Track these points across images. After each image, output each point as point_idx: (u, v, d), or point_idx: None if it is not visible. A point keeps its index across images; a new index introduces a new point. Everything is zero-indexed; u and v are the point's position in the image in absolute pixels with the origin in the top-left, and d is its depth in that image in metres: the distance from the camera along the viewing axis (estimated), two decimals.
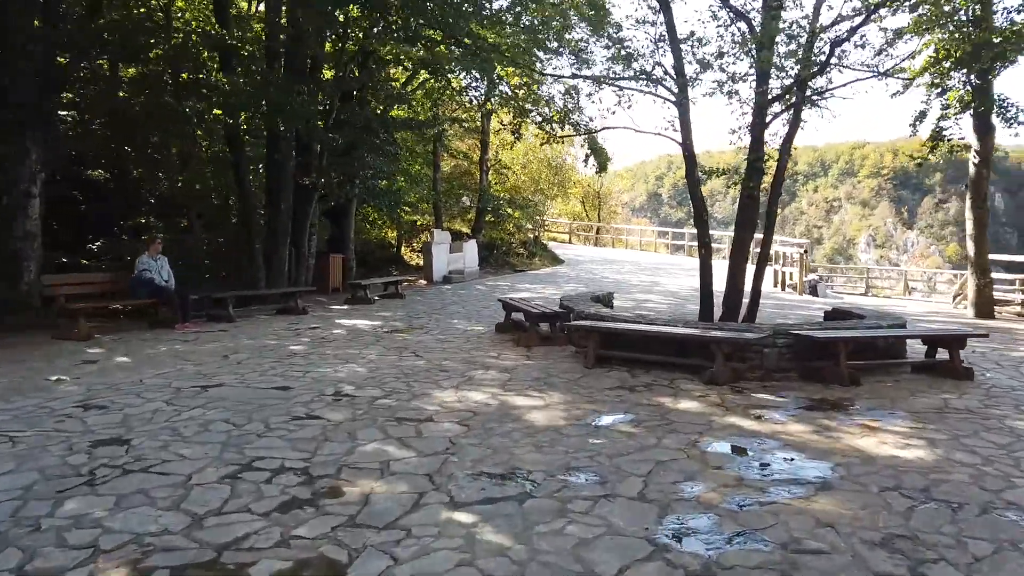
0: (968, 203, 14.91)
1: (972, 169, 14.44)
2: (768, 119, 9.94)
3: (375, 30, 14.74)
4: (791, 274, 20.95)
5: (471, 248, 21.85)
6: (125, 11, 13.62)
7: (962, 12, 12.57)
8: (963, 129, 14.34)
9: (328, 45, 16.53)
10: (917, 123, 14.90)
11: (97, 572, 3.15)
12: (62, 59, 12.39)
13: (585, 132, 12.90)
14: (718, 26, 10.08)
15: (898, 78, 11.79)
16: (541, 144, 14.82)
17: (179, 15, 16.01)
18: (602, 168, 14.77)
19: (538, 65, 13.20)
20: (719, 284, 10.64)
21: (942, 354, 7.92)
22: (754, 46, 9.30)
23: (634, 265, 26.63)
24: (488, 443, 5.04)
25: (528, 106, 15.18)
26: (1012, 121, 12.99)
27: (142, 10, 14.21)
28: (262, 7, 16.17)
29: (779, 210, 11.99)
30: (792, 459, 4.80)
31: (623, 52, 10.55)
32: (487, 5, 14.71)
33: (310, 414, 5.77)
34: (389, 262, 21.55)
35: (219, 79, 13.37)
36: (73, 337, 9.43)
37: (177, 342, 9.41)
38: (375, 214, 21.50)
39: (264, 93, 12.66)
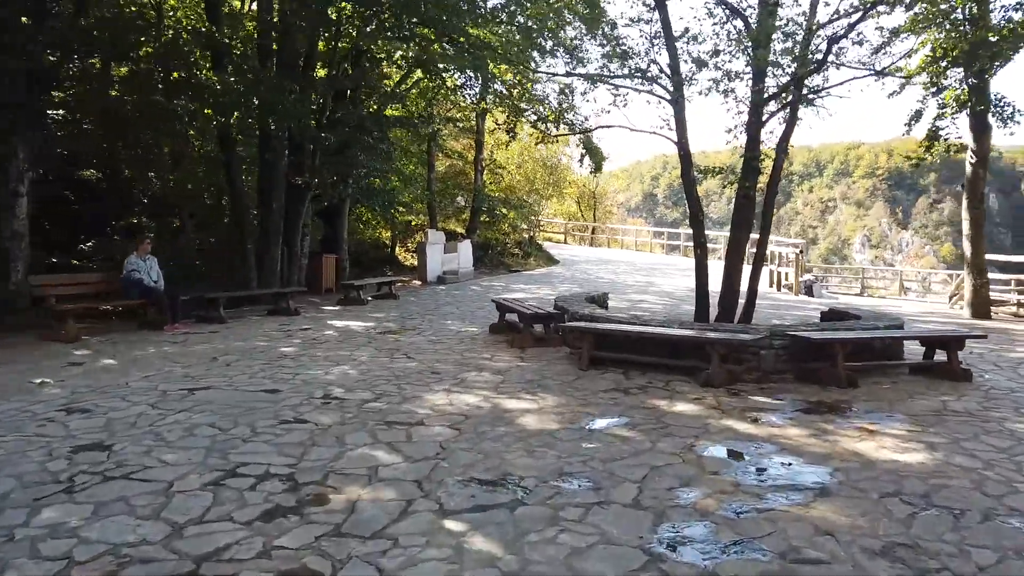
0: (964, 203, 14.85)
1: (968, 169, 14.37)
2: (764, 118, 9.85)
3: (368, 28, 14.62)
4: (787, 274, 20.88)
5: (466, 248, 21.72)
6: (116, 9, 13.46)
7: (959, 11, 12.50)
8: (960, 129, 14.27)
9: (321, 44, 16.40)
10: (912, 123, 14.82)
11: None
12: (52, 58, 12.24)
13: (580, 131, 12.79)
14: (714, 24, 10.00)
15: (895, 76, 11.72)
16: (536, 144, 14.69)
17: (171, 13, 15.87)
18: (597, 168, 14.67)
19: (532, 64, 13.05)
20: (715, 284, 10.55)
21: (940, 355, 7.85)
22: (750, 44, 9.20)
23: (629, 265, 26.54)
24: (479, 448, 4.93)
25: (523, 105, 15.06)
26: (1009, 120, 12.92)
27: (133, 8, 14.07)
28: (255, 6, 16.05)
29: (775, 210, 11.92)
30: (790, 464, 4.70)
31: (618, 50, 10.45)
32: (481, 4, 14.61)
33: (298, 418, 5.65)
34: (383, 262, 21.42)
35: (210, 78, 13.22)
36: (61, 339, 9.29)
37: (166, 344, 9.27)
38: (369, 214, 21.36)
39: (255, 92, 12.53)
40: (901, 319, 9.32)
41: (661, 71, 10.15)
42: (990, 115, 13.35)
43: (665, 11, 10.05)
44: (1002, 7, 12.22)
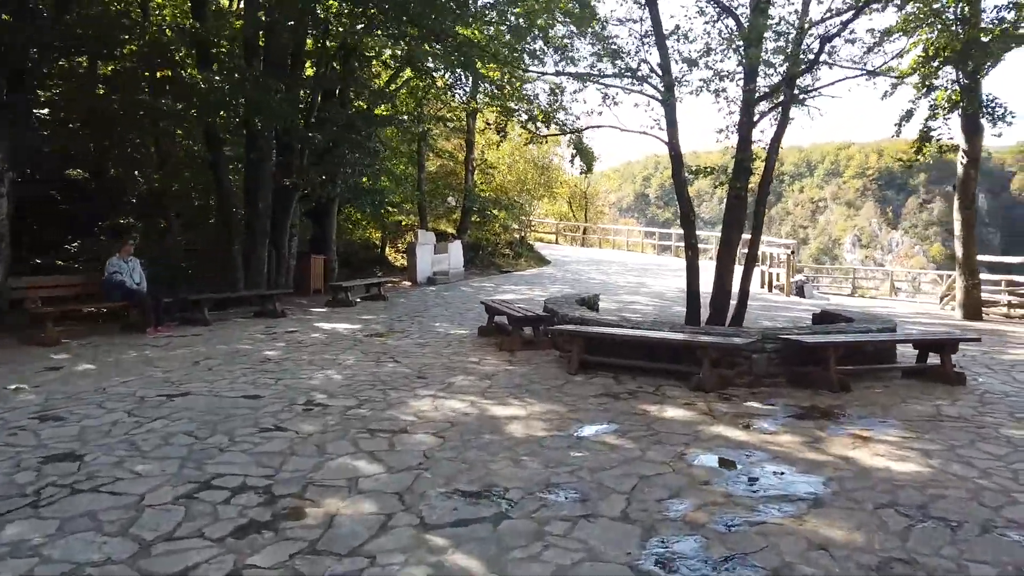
0: (956, 204, 14.80)
1: (960, 170, 14.32)
2: (756, 118, 9.75)
3: (358, 27, 14.44)
4: (778, 275, 20.82)
5: (456, 249, 21.57)
6: (100, 6, 13.23)
7: (950, 11, 12.44)
8: (951, 130, 14.23)
9: (309, 42, 16.22)
10: (903, 123, 14.78)
11: None
12: (34, 56, 12.02)
13: (570, 131, 12.65)
14: (705, 22, 9.88)
15: (887, 77, 11.65)
16: (526, 144, 14.55)
17: (157, 11, 15.65)
18: (588, 168, 14.55)
19: (522, 63, 12.89)
20: (706, 285, 10.44)
21: (933, 358, 7.76)
22: (741, 43, 9.09)
23: (621, 266, 26.45)
24: (464, 457, 4.79)
25: (512, 104, 14.92)
26: (999, 121, 12.86)
27: (119, 6, 13.84)
28: (242, 3, 15.84)
29: (766, 210, 11.82)
30: (782, 473, 4.58)
31: (608, 49, 10.32)
32: (471, 4, 14.45)
33: (278, 425, 5.49)
34: (373, 263, 21.23)
35: (194, 76, 13.01)
36: (40, 342, 9.09)
37: (148, 347, 9.09)
38: (358, 214, 21.17)
39: (240, 90, 12.33)
40: (893, 321, 9.23)
41: (652, 70, 10.03)
42: (982, 116, 13.29)
43: (656, 9, 9.94)
44: (995, 7, 12.18)
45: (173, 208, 15.94)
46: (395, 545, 3.45)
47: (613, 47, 10.38)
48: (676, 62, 9.93)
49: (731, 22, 9.60)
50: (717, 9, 9.72)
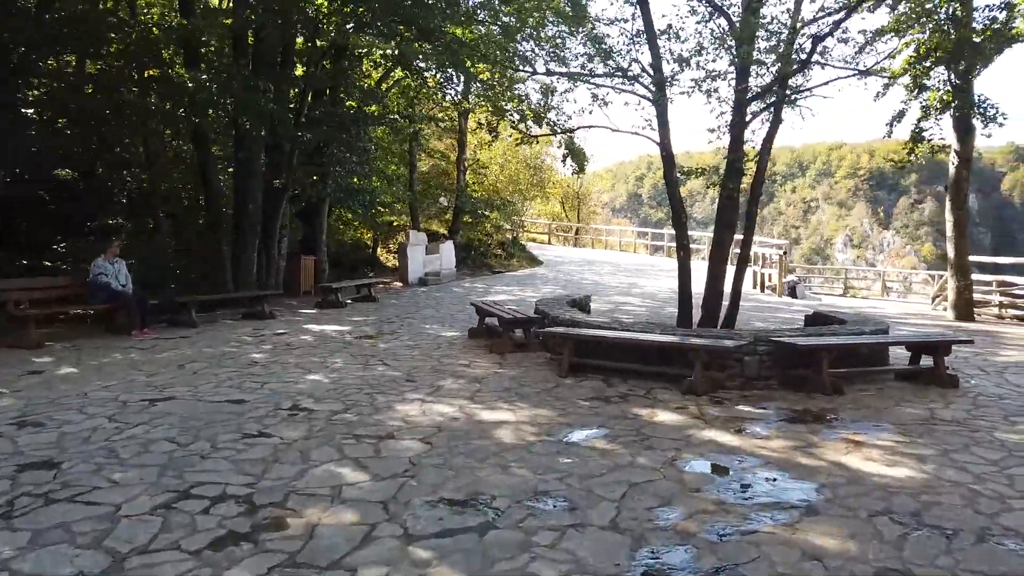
0: (948, 205, 14.79)
1: (952, 170, 14.31)
2: (748, 118, 9.68)
3: (348, 26, 14.31)
4: (770, 275, 20.79)
5: (448, 249, 21.47)
6: (86, 4, 13.06)
7: (942, 11, 12.41)
8: (943, 130, 14.20)
9: (300, 41, 16.08)
10: (895, 123, 14.73)
11: None
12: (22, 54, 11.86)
13: (561, 131, 12.56)
14: (697, 22, 9.80)
15: (879, 76, 11.61)
16: (516, 144, 14.44)
17: (144, 10, 15.49)
18: (580, 169, 14.49)
19: (513, 62, 12.79)
20: (698, 286, 10.38)
21: (925, 360, 7.70)
22: (733, 43, 9.02)
23: (613, 266, 26.40)
24: (451, 463, 4.69)
25: (504, 104, 14.83)
26: (992, 121, 12.85)
27: (106, 4, 13.68)
28: (231, 2, 15.69)
29: (758, 210, 11.76)
30: (775, 479, 4.50)
31: (599, 48, 10.23)
32: (461, 3, 14.35)
33: (262, 431, 5.38)
34: (365, 264, 21.10)
35: (181, 75, 12.87)
36: (23, 345, 8.94)
37: (132, 350, 8.95)
38: (349, 215, 21.03)
39: (228, 89, 12.19)
40: (886, 323, 9.17)
41: (643, 70, 9.96)
42: (974, 116, 13.27)
43: (647, 8, 9.85)
44: (986, 6, 12.16)
45: (162, 208, 15.79)
46: (377, 557, 3.35)
47: (604, 46, 10.29)
48: (668, 62, 9.86)
49: (723, 22, 9.54)
50: (709, 8, 9.65)
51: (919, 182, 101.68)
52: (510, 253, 26.69)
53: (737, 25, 9.02)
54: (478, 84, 15.38)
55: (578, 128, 12.28)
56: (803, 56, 9.14)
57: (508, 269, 24.26)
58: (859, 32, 10.39)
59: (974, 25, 12.35)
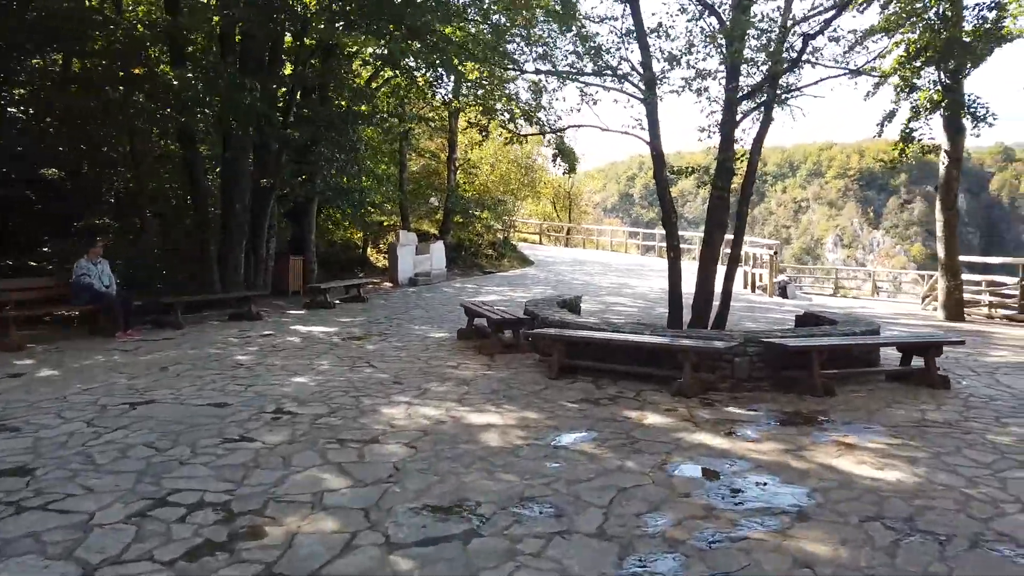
0: (938, 205, 14.79)
1: (942, 170, 14.31)
2: (739, 117, 9.62)
3: (338, 24, 14.17)
4: (761, 275, 20.78)
5: (438, 249, 21.36)
6: (71, 1, 12.87)
7: (932, 10, 12.40)
8: (933, 130, 14.21)
9: (288, 40, 15.94)
10: (885, 123, 14.73)
11: None
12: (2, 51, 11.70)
13: (550, 131, 12.47)
14: (688, 20, 9.73)
15: (870, 76, 11.58)
16: (505, 143, 14.34)
17: (130, 7, 15.31)
18: (571, 169, 14.37)
19: (502, 61, 12.68)
20: (689, 287, 10.31)
21: (916, 360, 7.65)
22: (723, 41, 8.95)
23: (604, 266, 26.35)
24: (436, 468, 4.59)
25: (494, 103, 14.73)
26: (982, 121, 12.85)
27: (92, 1, 13.50)
28: None
29: (748, 210, 11.70)
30: (765, 484, 4.42)
31: (588, 47, 10.15)
32: (451, 2, 14.22)
33: (244, 436, 5.27)
34: (355, 264, 20.97)
35: (166, 73, 12.72)
36: (4, 347, 8.78)
37: (116, 352, 8.80)
38: (339, 215, 20.88)
39: (214, 88, 12.04)
40: (877, 324, 9.12)
41: (633, 68, 9.88)
42: (964, 116, 13.27)
43: (636, 5, 9.76)
44: (976, 5, 12.14)
45: (149, 208, 15.62)
46: (357, 568, 3.25)
47: (593, 44, 10.21)
48: (658, 60, 9.79)
49: (713, 20, 9.47)
50: (699, 7, 9.59)
51: (909, 182, 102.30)
52: (501, 253, 26.61)
53: (727, 24, 8.96)
54: (468, 83, 15.24)
55: (568, 127, 12.19)
56: (794, 55, 9.08)
57: (499, 269, 24.17)
58: (849, 31, 10.38)
59: (964, 25, 12.35)
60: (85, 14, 12.73)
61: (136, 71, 13.88)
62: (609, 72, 10.04)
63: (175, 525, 3.68)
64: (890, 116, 14.48)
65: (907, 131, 14.18)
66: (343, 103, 16.56)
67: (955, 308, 14.42)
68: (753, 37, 9.14)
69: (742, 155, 9.97)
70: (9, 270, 11.90)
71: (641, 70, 9.69)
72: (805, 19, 9.20)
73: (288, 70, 15.79)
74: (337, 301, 14.44)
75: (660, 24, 9.59)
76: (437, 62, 14.36)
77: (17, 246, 12.75)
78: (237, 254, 14.09)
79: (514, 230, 35.96)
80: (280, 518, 3.79)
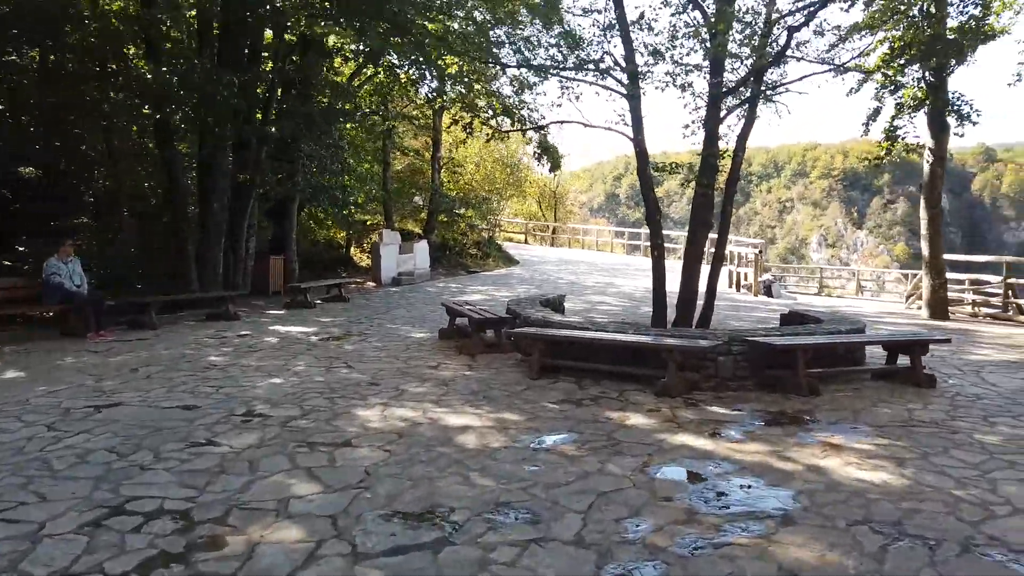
0: (922, 203, 14.77)
1: (926, 169, 14.29)
2: (723, 113, 9.50)
3: (322, 22, 13.93)
4: (746, 274, 20.74)
5: (422, 249, 21.15)
6: None
7: (916, 7, 12.35)
8: (917, 129, 14.18)
9: (269, 35, 15.69)
10: (870, 122, 14.69)
11: None
12: None
13: (532, 127, 12.30)
14: (671, 14, 9.57)
15: (855, 70, 11.50)
16: (487, 140, 14.17)
17: (107, 1, 15.00)
18: (555, 167, 14.23)
19: (482, 55, 12.49)
20: (674, 286, 10.19)
21: (902, 359, 7.56)
22: (707, 35, 8.82)
23: (590, 266, 26.24)
24: (409, 473, 4.42)
25: (476, 98, 14.56)
26: (966, 119, 12.82)
27: None
28: None
29: (734, 210, 11.61)
30: (749, 486, 4.28)
31: (569, 40, 9.99)
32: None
33: (211, 439, 5.07)
34: (338, 263, 20.73)
35: (140, 67, 12.45)
36: None
37: (85, 353, 8.55)
38: (322, 214, 20.63)
39: (190, 82, 11.79)
40: (862, 322, 9.04)
41: (615, 63, 9.73)
42: (948, 114, 13.24)
43: None
44: (961, 1, 12.10)
45: (127, 207, 15.32)
46: None
47: (575, 37, 10.04)
48: (641, 54, 9.63)
49: (697, 15, 9.33)
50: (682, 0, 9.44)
51: (892, 183, 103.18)
52: (486, 253, 26.43)
53: (712, 19, 8.82)
54: (450, 78, 15.05)
55: (549, 124, 12.02)
56: (778, 48, 8.96)
57: (484, 269, 23.99)
58: (834, 28, 10.28)
59: (948, 21, 12.32)
60: (60, 8, 12.44)
61: (112, 66, 13.61)
62: (592, 66, 9.88)
63: (130, 535, 3.49)
64: (875, 114, 14.45)
65: (891, 129, 14.15)
66: (324, 100, 16.34)
67: (939, 306, 14.41)
68: (737, 31, 9.03)
69: (725, 153, 9.86)
70: None
71: (624, 64, 9.54)
72: (791, 13, 9.10)
73: (268, 66, 15.54)
74: (318, 301, 14.22)
75: (642, 15, 9.43)
76: (420, 59, 14.18)
77: None
78: (216, 253, 13.84)
79: (499, 229, 35.80)
80: (242, 527, 3.60)
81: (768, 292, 19.35)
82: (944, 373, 7.91)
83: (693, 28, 9.25)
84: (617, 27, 9.44)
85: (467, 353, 8.78)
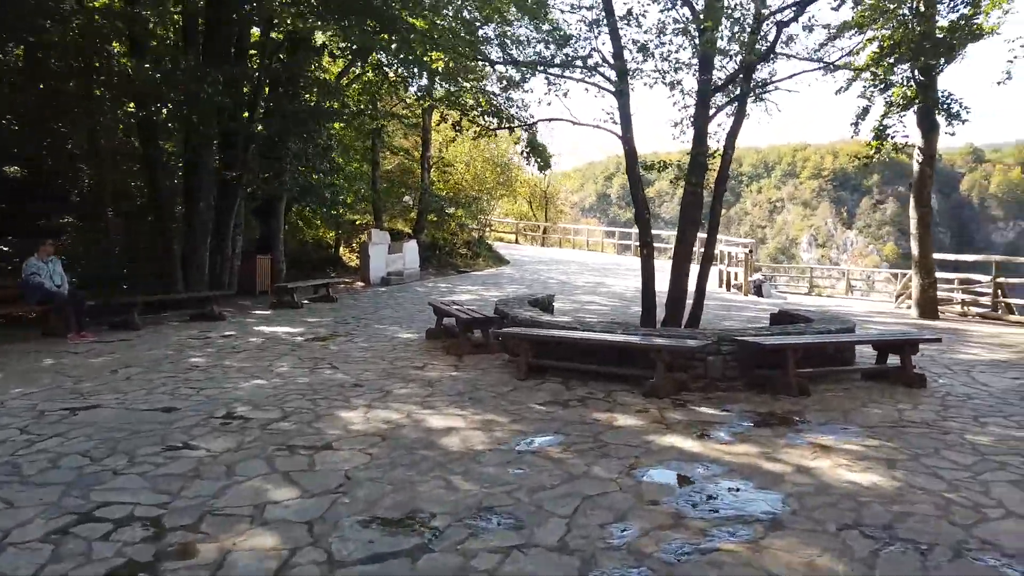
0: (912, 203, 14.75)
1: (916, 168, 14.26)
2: (712, 111, 9.42)
3: (306, 18, 13.78)
4: (736, 274, 20.71)
5: (411, 248, 21.01)
6: None
7: (906, 6, 12.32)
8: (907, 128, 14.16)
9: (256, 32, 15.54)
10: (859, 120, 14.66)
11: None
12: None
13: (518, 126, 12.18)
14: (660, 10, 9.47)
15: (844, 68, 11.45)
16: (474, 138, 14.04)
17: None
18: (545, 166, 14.11)
19: (468, 51, 12.35)
20: (663, 285, 10.10)
21: (892, 358, 7.51)
22: (696, 31, 8.72)
23: (581, 265, 26.16)
24: (390, 476, 4.31)
25: (463, 94, 14.44)
26: (955, 118, 12.80)
27: None
28: None
29: (724, 210, 11.56)
30: (738, 489, 4.19)
31: (556, 36, 9.89)
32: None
33: (188, 443, 4.94)
34: (327, 263, 20.57)
35: (123, 64, 12.27)
36: None
37: (65, 354, 8.39)
38: (310, 213, 20.45)
39: (173, 79, 11.63)
40: (852, 321, 8.99)
41: (604, 60, 9.63)
42: (937, 113, 13.22)
43: None
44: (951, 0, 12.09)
45: (112, 206, 15.13)
46: None
47: (563, 33, 9.94)
48: (629, 50, 9.52)
49: (686, 11, 9.23)
50: None
51: (881, 183, 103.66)
52: (476, 252, 26.31)
53: (701, 15, 8.73)
54: (438, 74, 14.92)
55: (537, 121, 11.89)
56: (767, 44, 8.88)
57: (474, 268, 23.87)
58: (823, 26, 10.24)
59: (937, 19, 12.29)
60: (43, 4, 12.25)
61: (96, 63, 13.41)
62: (580, 63, 9.76)
63: (97, 543, 3.36)
64: (864, 113, 14.42)
65: (881, 128, 14.12)
66: (312, 98, 16.19)
67: (929, 306, 14.39)
68: (726, 28, 8.94)
69: (716, 152, 9.78)
70: None
71: (612, 60, 9.43)
72: (780, 10, 9.01)
73: (255, 64, 15.37)
74: (305, 301, 14.08)
75: (630, 12, 9.32)
76: (410, 58, 14.05)
77: None
78: (201, 253, 13.69)
79: (490, 229, 35.68)
80: (215, 534, 3.48)
81: (758, 292, 19.32)
82: (934, 373, 7.86)
83: (682, 24, 9.16)
84: (605, 22, 9.33)
85: (454, 354, 8.67)
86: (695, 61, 9.32)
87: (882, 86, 13.58)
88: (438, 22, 13.46)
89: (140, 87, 12.07)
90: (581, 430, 5.41)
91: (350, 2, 12.43)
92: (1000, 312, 14.24)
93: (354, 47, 14.58)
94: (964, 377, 7.78)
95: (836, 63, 9.96)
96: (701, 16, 8.58)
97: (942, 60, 12.42)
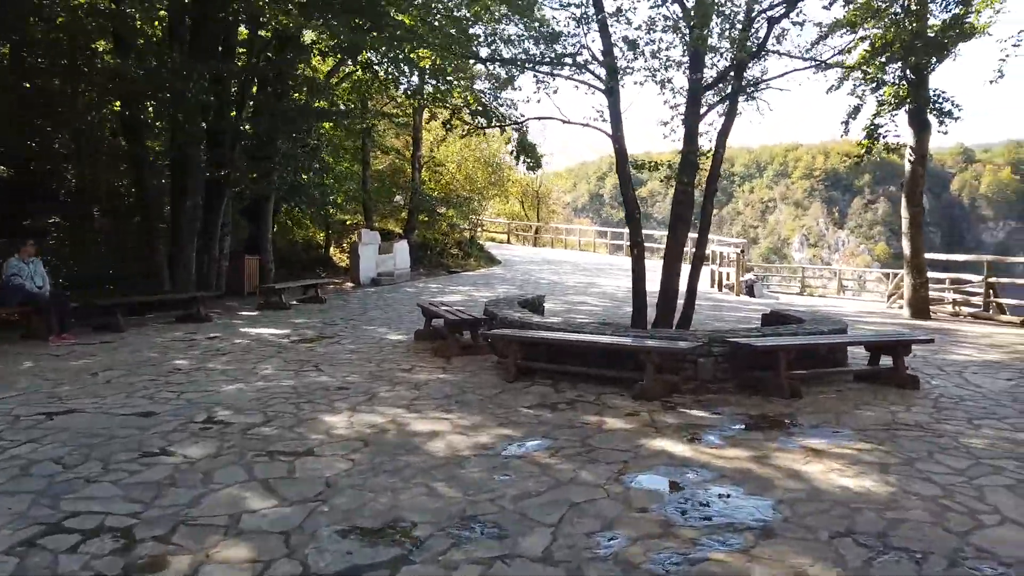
0: (903, 202, 14.70)
1: (907, 167, 14.22)
2: (703, 109, 9.33)
3: (294, 14, 13.61)
4: (728, 274, 20.66)
5: (402, 249, 20.87)
6: None
7: (897, 5, 12.27)
8: (899, 127, 14.11)
9: (244, 31, 15.37)
10: (850, 119, 14.60)
11: None
12: None
13: (507, 124, 12.06)
14: (650, 7, 9.38)
15: (836, 67, 11.39)
16: (461, 136, 13.93)
17: None
18: (535, 166, 14.00)
19: (455, 48, 12.24)
20: (654, 286, 10.01)
21: (884, 359, 7.43)
22: (687, 27, 8.62)
23: (572, 266, 26.07)
24: (371, 484, 4.19)
25: (452, 91, 14.33)
26: (947, 116, 12.76)
27: None
28: None
29: (716, 210, 11.48)
30: (728, 496, 4.09)
31: (544, 33, 9.78)
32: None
33: (165, 449, 4.81)
34: (317, 264, 20.41)
35: (108, 61, 12.10)
36: None
37: (45, 357, 8.24)
38: (300, 213, 20.29)
39: (158, 77, 11.46)
40: (844, 322, 8.91)
41: (593, 57, 9.52)
42: (929, 112, 13.18)
43: None
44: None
45: (99, 206, 14.94)
46: None
47: (552, 29, 9.82)
48: (619, 47, 9.42)
49: (676, 8, 9.14)
50: None
51: (872, 183, 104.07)
52: (467, 252, 26.18)
53: (691, 11, 8.64)
54: (426, 72, 14.81)
55: (526, 120, 11.78)
56: (758, 41, 8.80)
57: (465, 269, 23.75)
58: (815, 24, 10.17)
59: (929, 18, 12.26)
60: (27, 1, 12.07)
61: (80, 62, 13.23)
62: (569, 60, 9.65)
63: (64, 555, 3.24)
64: (855, 112, 14.36)
65: (872, 127, 14.06)
66: (301, 97, 16.03)
67: (921, 306, 14.35)
68: (717, 25, 8.86)
69: (709, 152, 9.69)
70: None
71: (602, 57, 9.33)
72: (771, 6, 8.92)
73: (242, 63, 15.21)
74: (293, 302, 13.93)
75: (619, 9, 9.22)
76: (399, 56, 13.92)
77: None
78: (188, 253, 13.54)
79: (481, 229, 35.56)
80: (187, 545, 3.36)
81: (750, 292, 19.28)
82: (927, 374, 7.79)
83: (672, 21, 9.05)
84: (594, 18, 9.23)
85: (442, 355, 8.55)
86: (686, 59, 9.22)
87: (874, 85, 13.52)
88: (427, 19, 13.31)
89: (125, 85, 11.90)
90: (569, 434, 5.31)
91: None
92: (991, 312, 14.22)
93: (344, 45, 14.43)
94: (957, 378, 7.71)
95: (828, 61, 9.91)
96: (691, 12, 8.48)
97: (934, 59, 12.38)
